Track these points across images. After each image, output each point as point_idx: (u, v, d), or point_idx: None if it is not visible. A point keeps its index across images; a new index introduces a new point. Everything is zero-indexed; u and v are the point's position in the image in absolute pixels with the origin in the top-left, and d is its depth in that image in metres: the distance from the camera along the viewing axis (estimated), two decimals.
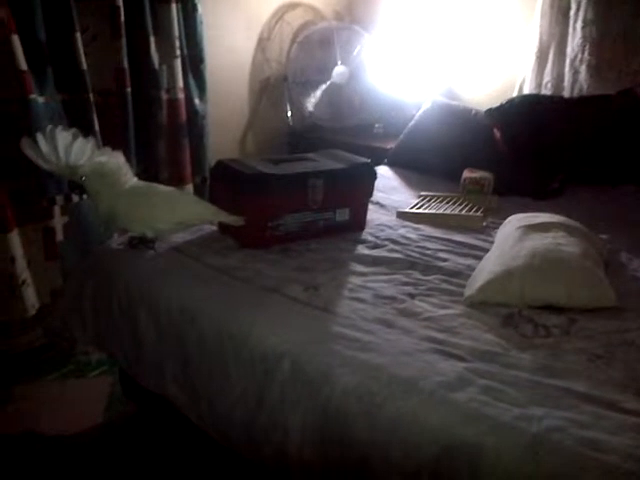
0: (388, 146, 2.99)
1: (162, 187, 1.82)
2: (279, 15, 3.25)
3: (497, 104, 2.66)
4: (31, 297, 2.22)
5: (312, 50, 3.21)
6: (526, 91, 2.87)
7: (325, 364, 1.21)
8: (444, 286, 1.53)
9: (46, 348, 2.30)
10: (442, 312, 1.39)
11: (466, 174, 2.34)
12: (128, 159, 2.39)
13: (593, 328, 1.32)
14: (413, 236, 1.89)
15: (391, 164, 2.81)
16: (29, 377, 2.19)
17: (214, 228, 1.87)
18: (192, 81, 2.74)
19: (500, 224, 1.83)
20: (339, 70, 3.25)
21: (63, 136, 1.59)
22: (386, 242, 1.83)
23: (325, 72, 3.26)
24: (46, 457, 1.81)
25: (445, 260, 1.70)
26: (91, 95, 2.31)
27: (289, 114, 3.34)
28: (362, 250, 1.77)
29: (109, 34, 2.37)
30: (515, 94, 2.88)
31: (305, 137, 3.34)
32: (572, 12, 2.67)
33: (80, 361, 2.28)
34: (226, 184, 1.81)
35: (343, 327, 1.31)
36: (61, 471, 1.76)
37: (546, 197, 2.32)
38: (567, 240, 1.53)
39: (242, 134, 3.29)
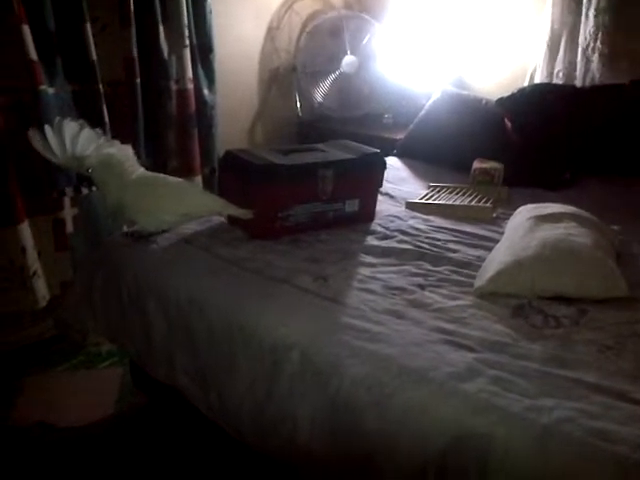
0: (397, 136, 2.97)
1: (169, 178, 1.82)
2: (288, 4, 3.24)
3: (508, 93, 2.63)
4: (42, 288, 2.23)
5: (321, 40, 3.20)
6: (537, 80, 2.84)
7: (334, 355, 1.21)
8: (454, 277, 1.53)
9: (56, 339, 2.32)
10: (452, 303, 1.38)
11: (476, 165, 2.33)
12: (137, 150, 2.43)
13: (603, 319, 1.31)
14: (423, 227, 1.88)
15: (400, 155, 2.79)
16: (40, 368, 2.21)
17: (223, 219, 1.87)
18: (201, 71, 2.74)
19: (510, 215, 1.82)
20: (348, 60, 3.23)
21: (70, 127, 1.60)
22: (395, 233, 1.82)
23: (334, 62, 3.24)
24: (57, 448, 1.82)
25: (455, 251, 1.69)
26: (101, 86, 2.31)
27: (298, 104, 3.34)
28: (372, 241, 1.77)
29: (118, 23, 2.37)
30: (526, 83, 2.85)
31: (314, 127, 3.33)
32: (585, 0, 2.64)
33: (90, 352, 2.29)
34: (235, 174, 1.81)
35: (353, 318, 1.31)
36: (72, 462, 1.77)
37: (557, 188, 2.31)
38: (578, 231, 1.52)
39: (251, 124, 3.28)
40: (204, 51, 2.72)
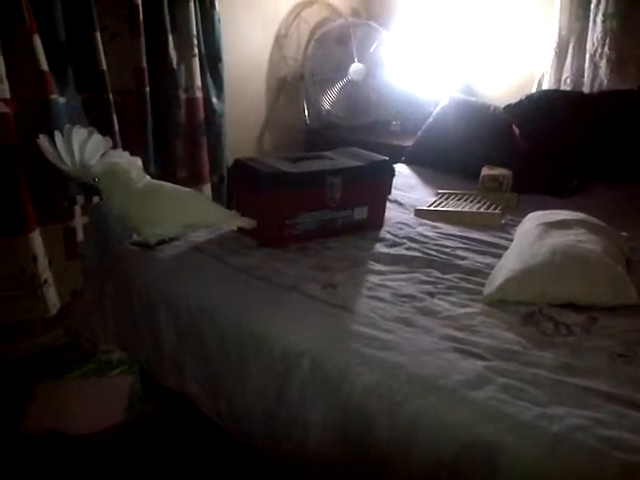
0: (405, 144, 2.98)
1: (174, 187, 1.80)
2: (296, 12, 3.26)
3: (516, 100, 2.64)
4: (52, 297, 2.24)
5: (329, 47, 3.21)
6: (545, 87, 2.84)
7: (344, 362, 1.21)
8: (463, 284, 1.53)
9: (67, 347, 2.33)
10: (461, 311, 1.38)
11: (485, 171, 2.33)
12: (146, 158, 2.44)
13: (614, 326, 1.30)
14: (431, 234, 1.89)
15: (409, 162, 2.80)
16: (51, 376, 2.22)
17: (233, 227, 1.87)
18: (210, 80, 2.75)
19: (519, 222, 1.82)
20: (356, 67, 3.24)
21: (79, 133, 1.61)
22: (404, 240, 1.83)
23: (342, 69, 3.25)
24: (68, 455, 1.83)
25: (464, 258, 1.70)
26: (110, 95, 2.33)
27: (306, 112, 3.35)
28: (380, 248, 1.77)
29: (128, 33, 2.39)
30: (534, 90, 2.86)
31: (322, 135, 3.34)
32: (592, 6, 2.64)
33: (101, 360, 2.30)
34: (244, 183, 1.82)
35: (362, 325, 1.31)
36: (82, 469, 1.78)
37: (565, 194, 2.30)
38: (588, 237, 1.52)
39: (259, 132, 3.29)
40: (213, 60, 2.74)
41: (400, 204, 2.21)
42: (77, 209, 2.32)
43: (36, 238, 2.15)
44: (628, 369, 1.15)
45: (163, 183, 1.82)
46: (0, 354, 2.24)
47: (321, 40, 3.18)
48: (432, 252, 1.73)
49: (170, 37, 2.52)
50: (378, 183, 1.92)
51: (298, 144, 3.44)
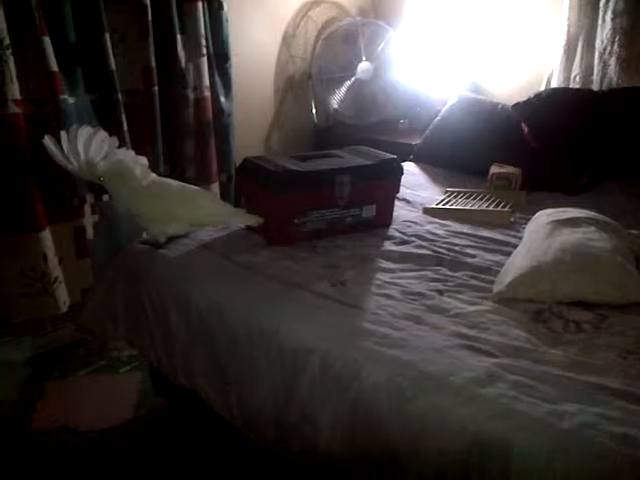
0: (414, 142, 2.97)
1: (180, 185, 1.80)
2: (304, 12, 3.26)
3: (524, 98, 2.62)
4: (63, 295, 2.26)
5: (337, 46, 3.20)
6: (554, 85, 2.83)
7: (354, 360, 1.21)
8: (472, 282, 1.53)
9: (78, 344, 2.35)
10: (471, 308, 1.39)
11: (494, 169, 2.33)
12: (155, 157, 2.45)
13: (624, 324, 1.30)
14: (440, 232, 1.89)
15: (417, 160, 2.80)
16: (61, 373, 2.23)
17: (241, 225, 1.88)
18: (218, 79, 2.76)
19: (528, 219, 1.82)
20: (364, 66, 3.24)
21: (85, 132, 1.61)
22: (413, 238, 1.83)
23: (350, 68, 3.25)
24: (78, 452, 1.84)
25: (473, 256, 1.70)
26: (119, 95, 2.34)
27: (314, 111, 3.35)
28: (389, 246, 1.77)
29: (137, 34, 2.40)
30: (543, 88, 2.85)
31: (330, 134, 3.34)
32: (602, 3, 2.63)
33: (111, 357, 2.31)
34: (253, 182, 1.82)
35: (372, 323, 1.32)
36: (92, 465, 1.79)
37: (575, 192, 2.30)
38: (598, 235, 1.52)
39: (267, 132, 3.30)
40: (221, 60, 2.74)
41: (408, 202, 2.21)
42: (87, 208, 2.34)
43: (46, 237, 2.17)
44: (639, 366, 1.14)
45: (169, 181, 1.83)
46: (11, 351, 2.25)
47: (329, 39, 3.18)
48: (441, 250, 1.73)
49: (178, 37, 2.53)
50: (387, 181, 1.92)
51: (306, 143, 3.44)
